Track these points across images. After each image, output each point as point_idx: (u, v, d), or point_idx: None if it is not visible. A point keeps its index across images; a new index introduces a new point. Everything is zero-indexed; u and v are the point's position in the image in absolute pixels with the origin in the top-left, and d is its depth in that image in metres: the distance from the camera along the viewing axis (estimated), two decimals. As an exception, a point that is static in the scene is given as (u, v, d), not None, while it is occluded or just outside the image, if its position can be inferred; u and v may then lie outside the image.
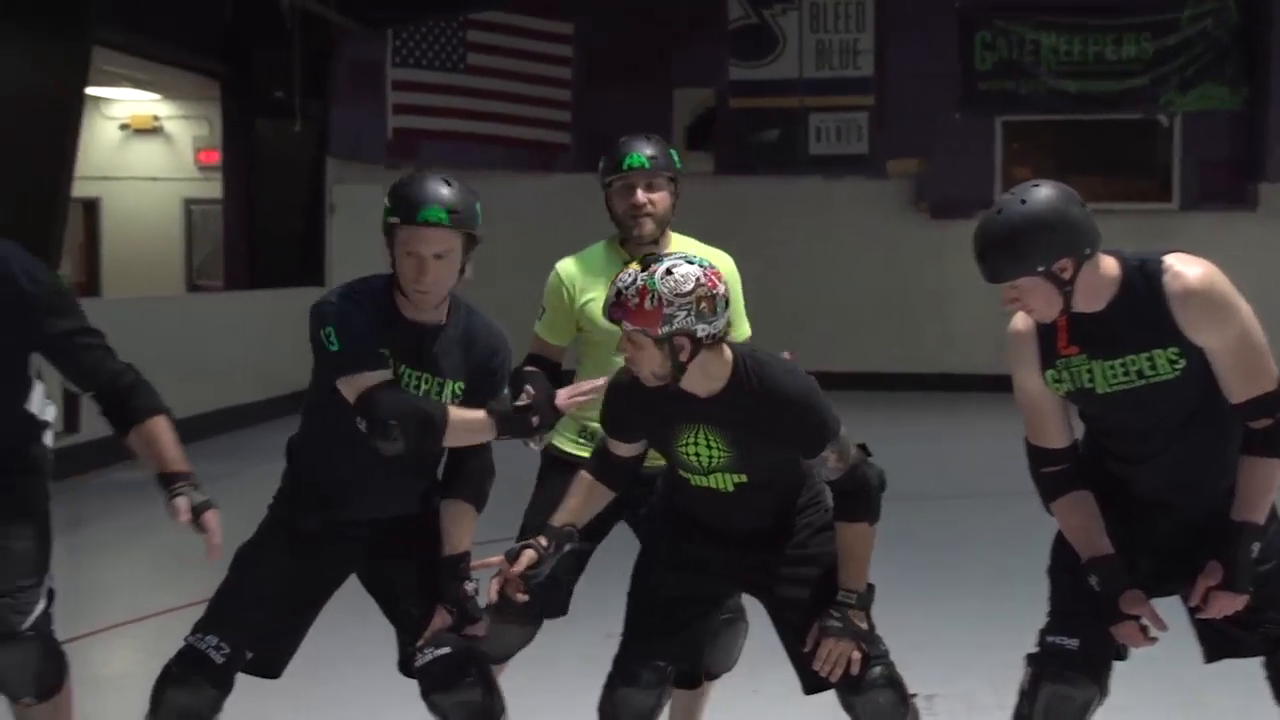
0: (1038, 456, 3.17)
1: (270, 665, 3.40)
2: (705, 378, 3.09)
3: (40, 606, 3.35)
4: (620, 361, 3.16)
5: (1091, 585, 3.06)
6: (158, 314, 10.60)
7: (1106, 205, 11.24)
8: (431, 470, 3.44)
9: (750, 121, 14.47)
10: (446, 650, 3.29)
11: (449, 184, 3.19)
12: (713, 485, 3.24)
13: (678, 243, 3.84)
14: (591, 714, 3.38)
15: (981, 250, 2.93)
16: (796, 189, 14.38)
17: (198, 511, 3.22)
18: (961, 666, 4.96)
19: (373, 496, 3.37)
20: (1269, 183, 13.59)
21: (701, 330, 3.00)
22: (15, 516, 3.38)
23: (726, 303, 3.05)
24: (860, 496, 3.20)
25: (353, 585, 3.49)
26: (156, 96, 15.31)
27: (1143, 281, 2.94)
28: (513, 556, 3.24)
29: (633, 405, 3.23)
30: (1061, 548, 3.20)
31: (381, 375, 3.18)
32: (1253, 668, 3.15)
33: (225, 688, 3.27)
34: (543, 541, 3.27)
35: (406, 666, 3.38)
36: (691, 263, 3.04)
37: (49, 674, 3.39)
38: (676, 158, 3.87)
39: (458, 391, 3.30)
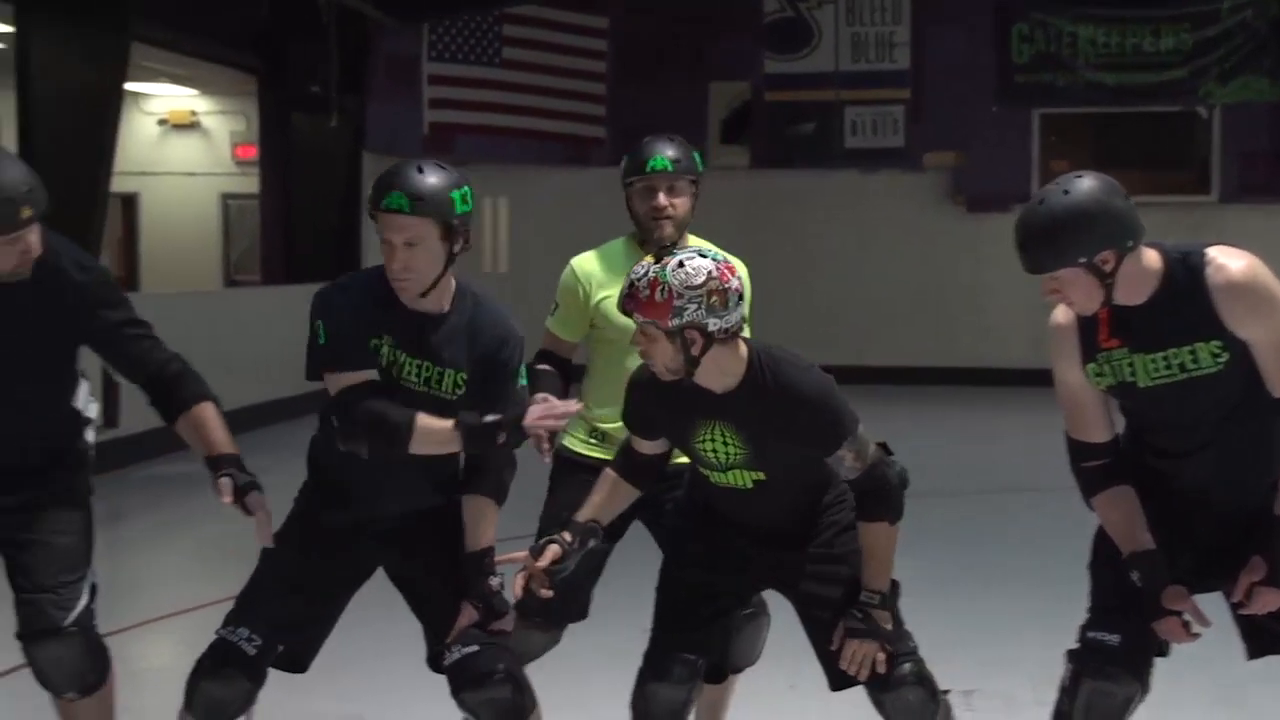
0: (1078, 451, 3.14)
1: (298, 659, 3.40)
2: (720, 373, 3.08)
3: (83, 602, 3.36)
4: (635, 360, 3.15)
5: (1133, 581, 3.03)
6: (195, 309, 10.64)
7: (1145, 198, 10.96)
8: (452, 465, 3.41)
9: (786, 115, 14.46)
10: (475, 648, 3.27)
11: (423, 170, 3.12)
12: (731, 482, 3.23)
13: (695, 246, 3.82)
14: (610, 710, 3.35)
15: (1023, 240, 2.90)
16: (832, 182, 14.35)
17: (242, 492, 3.22)
18: (1000, 663, 4.94)
19: (392, 494, 3.34)
20: (1309, 175, 13.50)
21: (713, 324, 2.98)
22: (60, 512, 3.40)
23: (740, 298, 3.03)
24: (879, 495, 3.17)
25: (380, 579, 3.48)
26: (194, 92, 15.40)
27: (1185, 274, 2.91)
28: (537, 552, 3.23)
29: (651, 400, 3.22)
30: (1103, 543, 3.17)
31: (363, 375, 3.16)
32: (1296, 665, 3.13)
33: (258, 679, 3.28)
34: (567, 537, 3.26)
35: (435, 663, 3.37)
36: (705, 256, 3.03)
37: (92, 670, 3.40)
38: (699, 160, 3.86)
39: (460, 381, 3.25)
